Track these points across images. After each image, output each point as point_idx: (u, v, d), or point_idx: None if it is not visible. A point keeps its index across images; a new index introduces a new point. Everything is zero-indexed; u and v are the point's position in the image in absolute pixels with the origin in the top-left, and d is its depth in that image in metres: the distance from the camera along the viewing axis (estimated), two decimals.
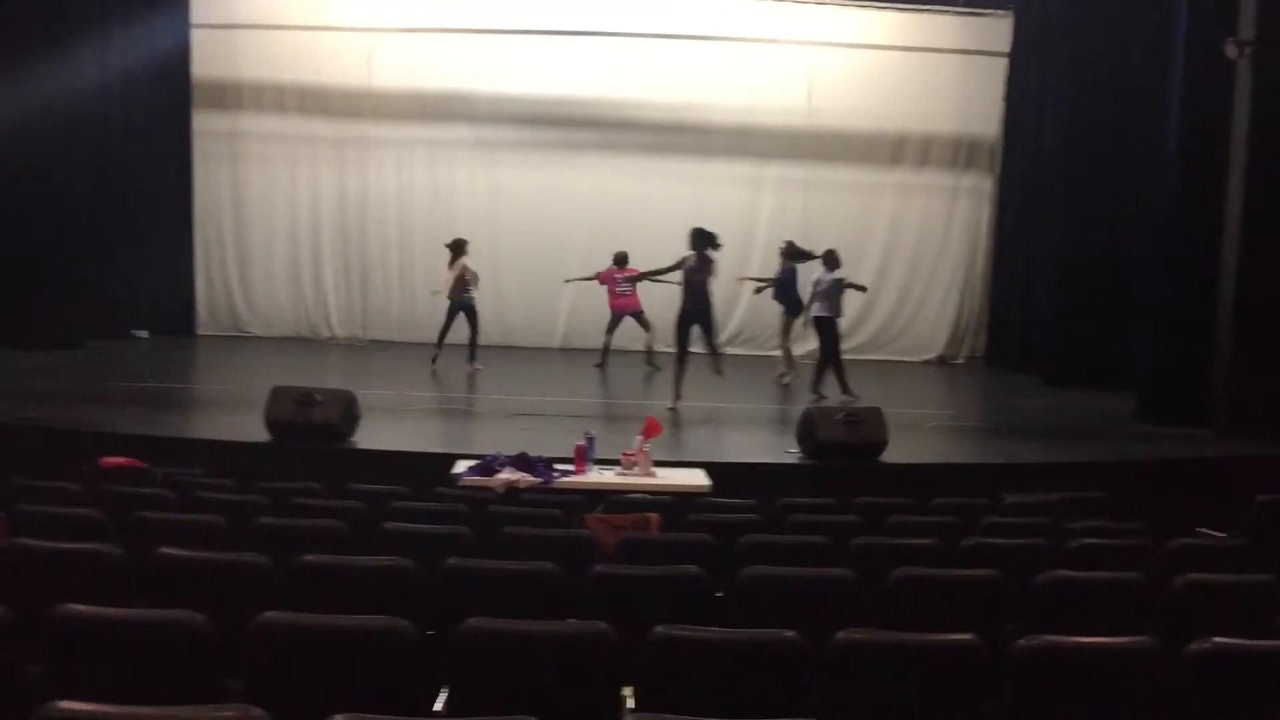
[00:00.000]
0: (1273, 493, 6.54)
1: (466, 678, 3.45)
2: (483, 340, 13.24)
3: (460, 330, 12.99)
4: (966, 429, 10.90)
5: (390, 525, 5.34)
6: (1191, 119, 10.74)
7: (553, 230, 15.50)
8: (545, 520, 5.81)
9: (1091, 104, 13.48)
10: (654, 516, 5.98)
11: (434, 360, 12.95)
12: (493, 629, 3.46)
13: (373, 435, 8.67)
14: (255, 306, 15.86)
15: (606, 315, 13.64)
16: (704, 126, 15.55)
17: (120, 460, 7.17)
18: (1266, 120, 10.01)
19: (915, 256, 16.08)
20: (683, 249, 10.71)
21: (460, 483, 7.26)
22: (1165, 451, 9.67)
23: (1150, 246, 11.85)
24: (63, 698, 2.64)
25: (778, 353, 13.51)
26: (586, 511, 6.11)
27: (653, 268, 11.66)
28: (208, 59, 15.34)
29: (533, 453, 7.64)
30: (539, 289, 15.35)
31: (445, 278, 12.95)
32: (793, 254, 12.88)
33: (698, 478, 7.63)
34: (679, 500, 6.62)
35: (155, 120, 15.14)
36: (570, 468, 7.56)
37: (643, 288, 13.15)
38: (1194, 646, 3.48)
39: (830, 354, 11.80)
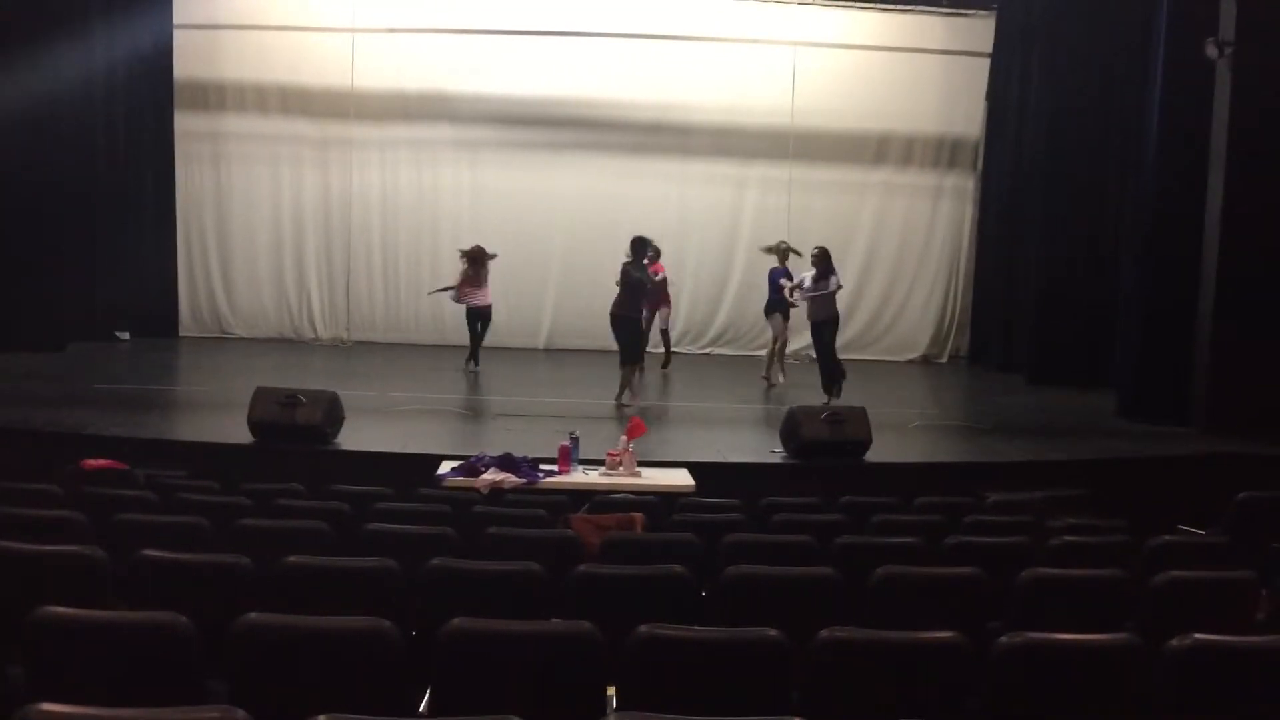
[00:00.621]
0: (1253, 490, 6.59)
1: (451, 678, 3.45)
2: (467, 342, 13.29)
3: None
4: (950, 428, 10.94)
5: (374, 526, 5.34)
6: (1172, 118, 10.79)
7: (536, 230, 15.48)
8: (530, 521, 5.82)
9: (1072, 104, 13.54)
10: (638, 516, 5.99)
11: (470, 365, 13.14)
12: (477, 629, 3.46)
13: (356, 436, 8.66)
14: (238, 308, 15.78)
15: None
16: (687, 126, 15.54)
17: (102, 462, 7.14)
18: (1246, 119, 10.08)
19: (899, 256, 16.11)
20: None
21: (444, 483, 7.26)
22: (1146, 449, 9.72)
23: (1131, 245, 11.91)
24: (44, 700, 2.63)
25: (763, 353, 13.52)
26: (571, 512, 6.12)
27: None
28: (190, 59, 15.26)
29: (517, 453, 7.65)
30: (522, 289, 15.32)
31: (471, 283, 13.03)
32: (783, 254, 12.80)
33: (682, 477, 7.65)
34: (663, 500, 6.64)
35: (137, 120, 15.06)
36: (555, 468, 7.56)
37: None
38: (1175, 643, 3.50)
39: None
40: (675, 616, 3.79)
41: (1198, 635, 3.51)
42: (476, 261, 13.05)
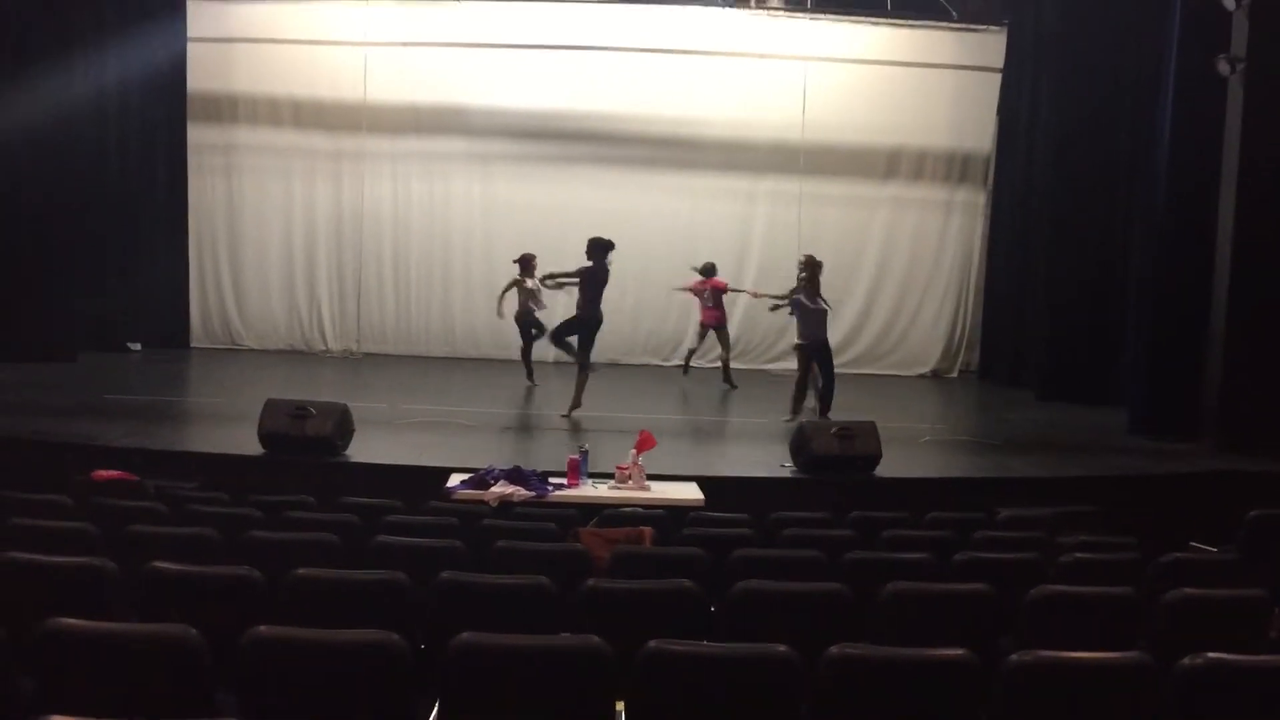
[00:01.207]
0: (1265, 507, 6.55)
1: (459, 692, 3.44)
2: (477, 355, 13.32)
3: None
4: (960, 443, 10.90)
5: (383, 539, 5.34)
6: (1183, 134, 10.77)
7: (548, 244, 15.42)
8: (539, 534, 5.81)
9: (1084, 119, 13.51)
10: (647, 530, 5.99)
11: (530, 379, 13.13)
12: (486, 643, 3.45)
13: (366, 448, 8.66)
14: (249, 319, 15.82)
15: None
16: (698, 140, 15.55)
17: (113, 473, 7.16)
18: (1258, 136, 10.05)
19: (909, 271, 16.08)
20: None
21: (454, 496, 7.25)
22: (1157, 466, 9.68)
23: (1143, 261, 11.88)
24: (54, 712, 2.64)
25: (772, 366, 13.49)
26: (580, 525, 6.12)
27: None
28: (203, 72, 15.33)
29: (526, 466, 7.65)
30: None
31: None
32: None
33: (691, 491, 7.63)
34: (672, 514, 6.62)
35: (150, 133, 15.14)
36: (564, 481, 7.56)
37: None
38: (1186, 661, 3.48)
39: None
40: (684, 631, 3.78)
41: (1210, 654, 3.48)
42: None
